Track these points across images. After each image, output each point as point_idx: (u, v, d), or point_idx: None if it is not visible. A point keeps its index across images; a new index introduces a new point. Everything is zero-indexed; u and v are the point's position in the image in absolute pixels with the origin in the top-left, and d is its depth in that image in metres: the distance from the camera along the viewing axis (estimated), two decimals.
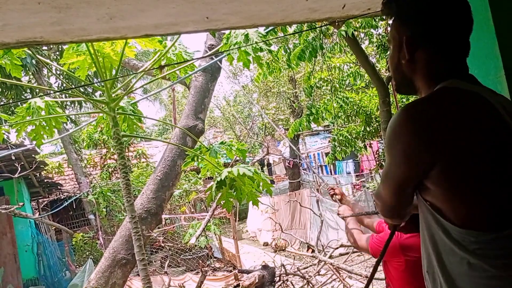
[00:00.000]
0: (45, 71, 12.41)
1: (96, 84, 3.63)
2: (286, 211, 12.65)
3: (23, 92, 11.76)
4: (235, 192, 4.11)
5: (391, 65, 1.42)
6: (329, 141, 19.84)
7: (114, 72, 3.42)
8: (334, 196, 3.28)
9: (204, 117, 5.88)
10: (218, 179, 3.85)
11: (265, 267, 8.23)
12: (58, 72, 11.92)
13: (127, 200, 3.32)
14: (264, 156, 12.59)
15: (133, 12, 2.22)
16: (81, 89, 6.92)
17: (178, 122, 6.03)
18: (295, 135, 13.46)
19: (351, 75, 7.01)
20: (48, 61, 4.82)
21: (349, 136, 8.23)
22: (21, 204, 7.47)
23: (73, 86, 8.93)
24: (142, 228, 5.18)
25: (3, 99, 11.77)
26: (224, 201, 4.19)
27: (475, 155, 1.12)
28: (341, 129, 9.11)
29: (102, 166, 13.17)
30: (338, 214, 3.00)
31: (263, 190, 4.26)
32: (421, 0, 1.30)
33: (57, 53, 11.55)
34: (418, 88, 1.36)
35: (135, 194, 11.42)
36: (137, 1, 2.10)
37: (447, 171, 1.13)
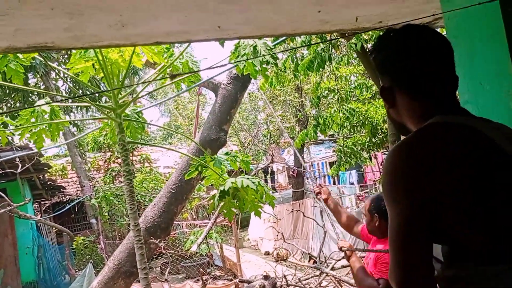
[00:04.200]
0: (53, 74, 12.45)
1: (102, 90, 3.63)
2: (289, 220, 12.58)
3: (30, 94, 11.80)
4: (237, 202, 4.10)
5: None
6: (333, 151, 19.80)
7: (121, 77, 3.41)
8: (319, 195, 3.23)
9: (228, 128, 5.51)
10: (222, 188, 3.83)
11: (266, 277, 8.16)
12: (65, 76, 11.95)
13: (130, 207, 3.30)
14: (268, 164, 12.55)
15: (145, 19, 2.21)
16: (87, 93, 6.93)
17: (199, 131, 5.72)
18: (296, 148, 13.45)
19: (358, 87, 7.00)
20: (55, 66, 4.81)
21: (354, 148, 8.20)
22: (27, 199, 7.42)
23: (81, 92, 8.96)
24: (149, 241, 5.09)
25: (10, 101, 11.81)
26: (226, 211, 4.17)
27: (464, 188, 1.08)
28: (346, 139, 9.09)
29: (106, 169, 13.17)
30: (340, 249, 2.88)
31: (265, 201, 4.25)
32: (390, 50, 1.30)
33: (66, 56, 11.59)
34: (411, 130, 1.33)
35: (137, 199, 11.40)
36: (150, 9, 2.09)
37: (442, 206, 1.09)
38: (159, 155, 18.39)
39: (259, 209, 4.20)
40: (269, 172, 22.59)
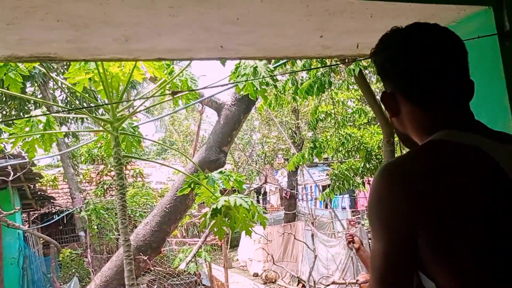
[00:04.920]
0: (51, 83, 12.46)
1: (101, 103, 3.64)
2: (279, 242, 12.49)
3: (27, 103, 11.77)
4: (229, 221, 4.08)
5: None
6: (326, 174, 19.81)
7: (121, 91, 3.42)
8: (351, 244, 3.09)
9: (227, 150, 5.44)
10: (214, 206, 3.82)
11: None
12: (63, 86, 11.96)
13: (121, 222, 3.27)
14: (261, 185, 12.52)
15: (150, 35, 2.23)
16: (84, 104, 6.92)
17: (198, 151, 5.65)
18: (289, 170, 13.47)
19: (356, 112, 7.04)
20: (55, 76, 4.82)
21: (347, 173, 8.20)
22: (17, 208, 7.33)
23: (78, 102, 8.96)
24: (138, 257, 5.02)
25: (6, 109, 11.76)
26: (217, 229, 4.15)
27: (459, 218, 0.92)
28: (340, 164, 9.10)
29: (98, 182, 13.07)
30: (356, 281, 2.80)
31: (257, 221, 4.23)
32: (391, 50, 1.15)
33: (65, 66, 11.62)
34: (416, 142, 1.19)
35: (128, 213, 11.29)
36: (155, 26, 2.11)
37: (429, 237, 0.94)
38: (152, 170, 18.30)
39: (250, 229, 4.18)
40: (262, 192, 22.50)
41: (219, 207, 3.63)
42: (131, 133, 3.85)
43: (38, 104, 11.32)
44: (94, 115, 4.06)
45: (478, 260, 0.92)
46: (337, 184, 8.13)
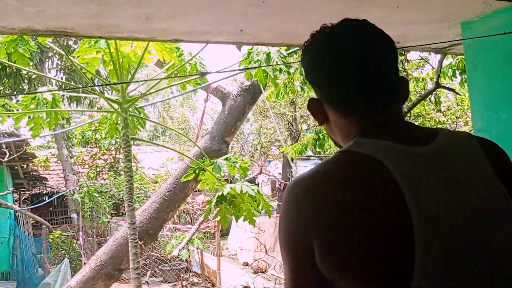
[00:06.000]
0: (47, 63, 12.28)
1: (111, 83, 3.57)
2: (270, 232, 12.50)
3: (21, 82, 11.58)
4: (233, 209, 4.05)
5: None
6: None
7: (132, 72, 3.36)
8: None
9: (230, 140, 5.36)
10: (220, 193, 3.78)
11: None
12: (63, 67, 11.80)
13: (128, 204, 3.23)
14: (256, 175, 12.50)
15: (172, 15, 2.18)
16: (86, 84, 6.82)
17: (200, 140, 5.57)
18: (290, 158, 13.46)
19: None
20: (62, 52, 4.72)
21: None
22: (10, 189, 7.26)
23: (75, 83, 8.83)
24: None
25: (0, 87, 11.56)
26: (221, 217, 4.12)
27: (335, 235, 0.87)
28: None
29: (91, 165, 12.96)
30: None
31: (262, 209, 4.21)
32: (312, 53, 1.07)
33: (64, 44, 11.42)
34: None
35: (121, 198, 11.22)
36: (179, 5, 2.07)
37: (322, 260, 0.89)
38: (145, 156, 18.20)
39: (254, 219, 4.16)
40: (256, 183, 22.54)
41: (224, 194, 3.60)
42: (137, 115, 3.80)
43: (33, 84, 11.16)
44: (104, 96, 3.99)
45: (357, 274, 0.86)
46: None
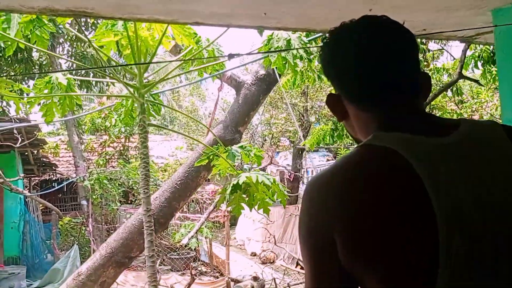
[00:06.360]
0: (58, 50, 12.25)
1: (129, 68, 3.52)
2: (279, 223, 12.49)
3: (33, 68, 11.57)
4: (247, 198, 4.01)
5: None
6: (327, 160, 19.77)
7: (149, 57, 3.30)
8: None
9: (243, 130, 5.24)
10: (235, 182, 3.73)
11: (255, 278, 8.09)
12: (71, 53, 11.78)
13: (144, 191, 3.19)
14: (266, 166, 12.46)
15: None
16: (102, 71, 6.78)
17: (213, 129, 5.51)
18: (300, 149, 13.38)
19: None
20: (81, 36, 4.67)
21: None
22: (21, 175, 7.26)
23: (95, 67, 8.79)
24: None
25: (11, 73, 11.55)
26: (235, 205, 4.08)
27: (368, 229, 0.86)
28: (348, 149, 9.01)
29: (100, 152, 12.98)
30: None
31: (277, 199, 4.17)
32: (330, 47, 1.08)
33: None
34: None
35: (131, 185, 11.24)
36: None
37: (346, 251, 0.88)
38: (154, 144, 18.22)
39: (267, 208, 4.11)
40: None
41: (240, 183, 3.55)
42: (152, 101, 3.74)
43: (44, 69, 11.15)
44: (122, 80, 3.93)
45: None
46: None
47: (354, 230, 0.87)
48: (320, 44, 1.15)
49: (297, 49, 2.97)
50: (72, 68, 11.20)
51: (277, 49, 3.14)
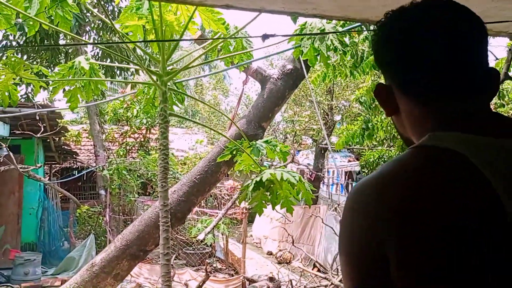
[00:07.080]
0: (84, 37, 12.26)
1: (152, 55, 3.36)
2: (297, 223, 12.27)
3: (58, 55, 11.59)
4: (270, 195, 3.83)
5: None
6: (348, 161, 19.45)
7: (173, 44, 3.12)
8: None
9: (267, 126, 5.09)
10: (258, 179, 3.55)
11: (271, 279, 7.89)
12: (97, 42, 11.75)
13: (161, 185, 3.02)
14: (288, 163, 12.25)
15: None
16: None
17: (235, 122, 5.36)
18: (322, 148, 13.11)
19: None
20: (106, 19, 4.53)
21: (381, 162, 7.86)
22: (39, 165, 7.23)
23: (110, 61, 8.70)
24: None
25: (37, 60, 11.59)
26: (257, 202, 3.90)
27: (431, 245, 0.74)
28: (373, 151, 8.75)
29: (121, 143, 12.95)
30: None
31: (302, 198, 3.99)
32: (386, 32, 0.94)
33: (99, 21, 11.34)
34: None
35: (149, 177, 11.16)
36: None
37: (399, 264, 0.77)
38: (175, 137, 18.16)
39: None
40: None
41: (263, 180, 3.35)
42: (175, 90, 3.57)
43: (70, 57, 11.13)
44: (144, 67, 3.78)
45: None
46: (369, 171, 7.79)
47: (417, 249, 0.75)
48: (378, 24, 0.96)
49: (337, 32, 2.75)
50: (95, 56, 11.17)
51: (309, 40, 2.93)
